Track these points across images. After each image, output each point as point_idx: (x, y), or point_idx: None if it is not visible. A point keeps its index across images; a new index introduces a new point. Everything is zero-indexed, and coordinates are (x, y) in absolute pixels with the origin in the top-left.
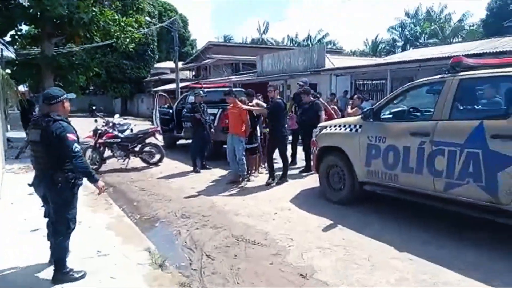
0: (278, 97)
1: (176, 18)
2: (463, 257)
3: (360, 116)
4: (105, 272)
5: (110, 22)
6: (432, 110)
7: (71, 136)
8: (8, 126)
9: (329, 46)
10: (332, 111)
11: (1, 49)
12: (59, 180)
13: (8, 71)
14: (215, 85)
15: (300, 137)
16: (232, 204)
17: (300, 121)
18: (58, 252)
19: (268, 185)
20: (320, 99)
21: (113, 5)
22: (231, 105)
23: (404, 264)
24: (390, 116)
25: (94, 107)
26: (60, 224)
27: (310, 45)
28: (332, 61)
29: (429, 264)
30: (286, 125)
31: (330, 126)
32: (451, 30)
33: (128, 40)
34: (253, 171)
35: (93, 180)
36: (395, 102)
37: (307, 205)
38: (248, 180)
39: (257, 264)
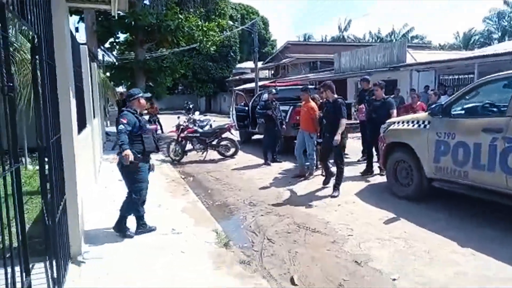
0: (336, 95)
1: (256, 20)
2: None
3: (428, 112)
4: (176, 247)
5: (194, 28)
6: (506, 105)
7: (122, 120)
8: (108, 122)
9: (416, 40)
10: (419, 108)
11: (103, 54)
12: (121, 159)
13: (108, 74)
14: (289, 83)
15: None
16: (297, 195)
17: (370, 118)
18: (123, 208)
19: (324, 187)
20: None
21: (197, 12)
22: (304, 102)
23: (466, 258)
24: (461, 112)
25: (191, 106)
26: (128, 191)
27: (394, 41)
28: (415, 56)
29: (493, 260)
30: (356, 118)
31: (398, 122)
32: None
33: (210, 43)
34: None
35: (123, 149)
36: (467, 97)
37: (371, 198)
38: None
39: (314, 250)
